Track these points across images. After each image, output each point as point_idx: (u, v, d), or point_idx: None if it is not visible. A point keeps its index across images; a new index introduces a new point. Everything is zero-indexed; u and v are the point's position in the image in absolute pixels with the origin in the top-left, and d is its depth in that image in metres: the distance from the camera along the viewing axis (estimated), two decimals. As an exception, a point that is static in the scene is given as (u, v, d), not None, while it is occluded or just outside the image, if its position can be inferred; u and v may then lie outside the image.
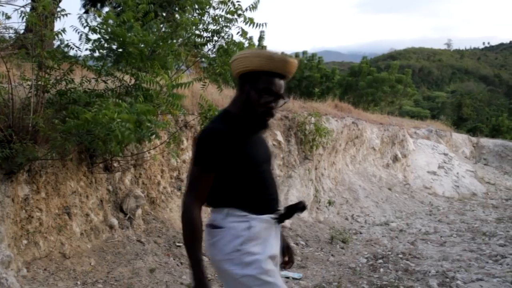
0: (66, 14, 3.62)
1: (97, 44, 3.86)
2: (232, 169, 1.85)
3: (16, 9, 3.39)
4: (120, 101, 3.44)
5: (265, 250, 1.85)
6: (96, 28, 3.74)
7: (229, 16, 4.16)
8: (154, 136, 3.76)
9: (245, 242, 1.82)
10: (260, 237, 1.85)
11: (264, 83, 1.83)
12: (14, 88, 3.55)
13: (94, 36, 3.85)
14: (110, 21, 3.76)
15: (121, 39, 3.66)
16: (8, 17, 3.41)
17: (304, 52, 22.79)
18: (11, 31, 3.62)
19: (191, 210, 1.82)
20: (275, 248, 1.93)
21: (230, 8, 4.09)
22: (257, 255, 1.82)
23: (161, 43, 3.95)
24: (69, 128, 3.21)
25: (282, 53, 1.89)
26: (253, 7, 4.04)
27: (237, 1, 4.11)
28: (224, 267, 1.83)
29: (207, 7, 4.21)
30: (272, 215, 1.92)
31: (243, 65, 1.87)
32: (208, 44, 4.44)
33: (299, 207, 1.99)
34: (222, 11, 4.16)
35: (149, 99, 3.97)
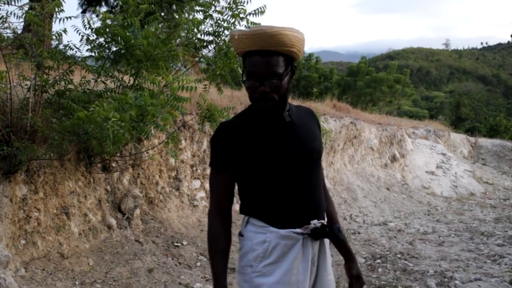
0: (69, 17, 3.62)
1: (95, 44, 3.85)
2: (247, 169, 1.60)
3: (17, 8, 3.39)
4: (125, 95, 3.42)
5: (276, 274, 1.57)
6: (100, 30, 3.73)
7: (231, 19, 4.15)
8: (156, 127, 3.78)
9: (258, 258, 1.59)
10: (275, 256, 1.57)
11: (247, 65, 1.56)
12: (12, 88, 3.54)
13: (94, 37, 3.85)
14: (109, 21, 3.75)
15: (124, 41, 3.65)
16: (4, 19, 3.40)
17: (302, 52, 22.81)
18: (8, 30, 3.62)
19: (210, 219, 1.65)
20: (298, 273, 1.58)
21: (234, 11, 4.08)
22: (265, 279, 1.57)
23: (160, 44, 3.95)
24: (65, 127, 3.20)
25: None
26: (261, 11, 4.02)
27: (239, 2, 4.10)
28: (238, 279, 1.64)
29: (210, 10, 4.19)
30: (298, 230, 1.57)
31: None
32: (209, 46, 4.44)
33: (333, 229, 1.60)
34: (225, 15, 4.15)
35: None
